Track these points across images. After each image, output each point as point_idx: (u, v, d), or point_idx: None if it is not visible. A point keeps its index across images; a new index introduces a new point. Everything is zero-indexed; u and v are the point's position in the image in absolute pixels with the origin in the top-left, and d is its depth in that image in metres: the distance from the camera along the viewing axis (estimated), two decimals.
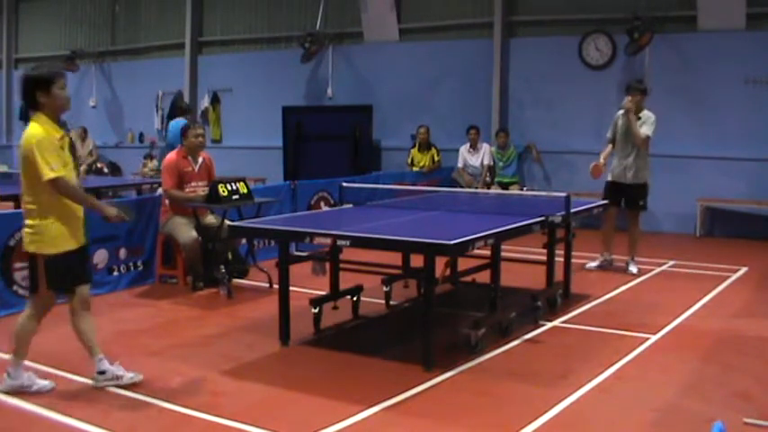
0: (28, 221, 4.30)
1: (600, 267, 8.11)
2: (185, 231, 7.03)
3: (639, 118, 7.82)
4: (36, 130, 4.21)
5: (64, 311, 6.33)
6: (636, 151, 7.81)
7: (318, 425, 3.93)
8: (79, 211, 4.38)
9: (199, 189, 7.20)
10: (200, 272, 7.10)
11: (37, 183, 4.19)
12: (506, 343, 5.42)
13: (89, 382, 4.56)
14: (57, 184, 4.16)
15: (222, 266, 7.01)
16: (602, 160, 7.89)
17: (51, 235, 4.25)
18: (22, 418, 4.10)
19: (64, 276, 4.35)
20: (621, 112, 7.93)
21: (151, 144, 15.32)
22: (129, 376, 4.52)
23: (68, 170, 4.28)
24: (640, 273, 7.79)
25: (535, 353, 5.32)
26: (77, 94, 16.67)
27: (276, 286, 5.67)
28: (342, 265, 6.00)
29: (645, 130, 7.75)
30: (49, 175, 4.13)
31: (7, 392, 4.34)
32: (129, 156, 15.31)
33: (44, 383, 4.42)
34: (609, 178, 8.04)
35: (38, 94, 4.23)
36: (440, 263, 5.24)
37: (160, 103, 15.18)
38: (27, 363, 4.92)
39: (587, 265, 8.11)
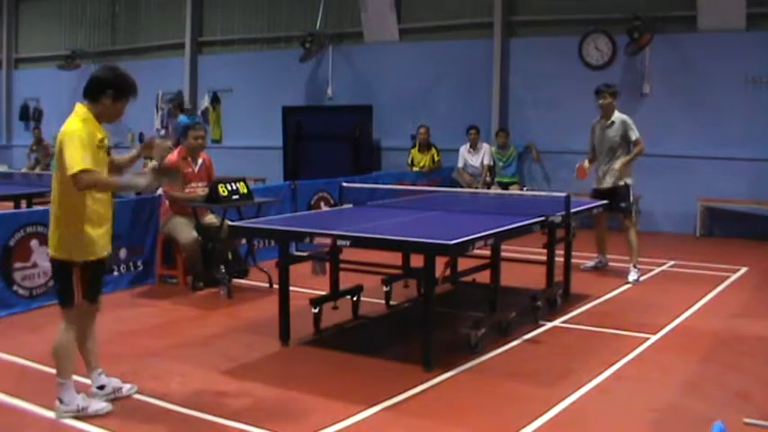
0: (58, 227, 4.03)
1: (595, 268, 8.10)
2: (185, 231, 7.03)
3: (612, 122, 7.67)
4: (76, 124, 4.00)
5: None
6: (613, 156, 7.66)
7: (318, 425, 3.93)
8: (109, 217, 4.17)
9: (199, 189, 7.20)
10: (200, 272, 7.10)
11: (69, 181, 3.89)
12: (506, 343, 5.42)
13: (89, 382, 4.56)
14: (83, 177, 3.83)
15: (222, 266, 7.01)
16: (586, 164, 7.84)
17: (86, 241, 4.01)
18: (22, 418, 4.10)
19: (96, 285, 4.17)
20: (595, 120, 7.86)
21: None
22: (127, 387, 4.39)
23: (103, 174, 4.06)
24: (638, 282, 7.48)
25: (535, 353, 5.32)
26: (77, 94, 16.62)
27: (276, 286, 5.67)
28: (342, 265, 5.99)
29: (634, 135, 7.60)
30: (79, 165, 3.82)
31: (67, 418, 4.01)
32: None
33: (102, 405, 4.10)
34: (594, 186, 7.95)
35: (108, 92, 4.03)
36: (440, 263, 5.24)
37: (160, 104, 15.18)
38: (27, 363, 4.93)
39: (583, 266, 8.10)
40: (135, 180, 4.19)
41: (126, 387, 4.40)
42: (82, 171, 3.84)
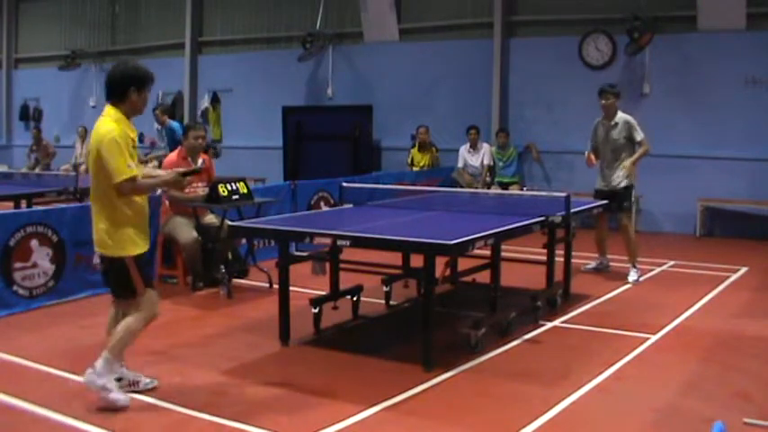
0: (104, 225, 4.15)
1: (596, 270, 8.09)
2: (185, 231, 7.03)
3: (616, 124, 7.61)
4: (111, 126, 4.08)
5: (63, 312, 6.35)
6: (618, 157, 7.60)
7: (318, 425, 3.93)
8: (146, 209, 4.32)
9: (199, 190, 7.20)
10: (200, 272, 7.10)
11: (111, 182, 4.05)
12: (506, 343, 5.42)
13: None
14: (129, 184, 4.03)
15: (222, 266, 7.01)
16: (593, 155, 7.75)
17: (132, 235, 4.16)
18: (22, 418, 4.10)
19: (149, 274, 4.33)
20: (598, 119, 7.82)
21: (151, 144, 15.30)
22: (146, 381, 4.47)
23: (139, 170, 4.23)
24: (639, 283, 7.46)
25: (535, 353, 5.32)
26: (77, 94, 16.73)
27: (276, 286, 5.67)
28: (342, 265, 5.99)
29: (639, 136, 7.55)
30: (127, 174, 4.01)
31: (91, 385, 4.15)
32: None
33: (121, 397, 4.17)
34: (596, 186, 7.91)
35: (131, 89, 4.15)
36: (440, 263, 5.24)
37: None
38: (27, 363, 4.93)
39: (584, 267, 8.08)
40: (164, 178, 4.42)
41: (144, 381, 4.45)
42: (127, 180, 4.02)
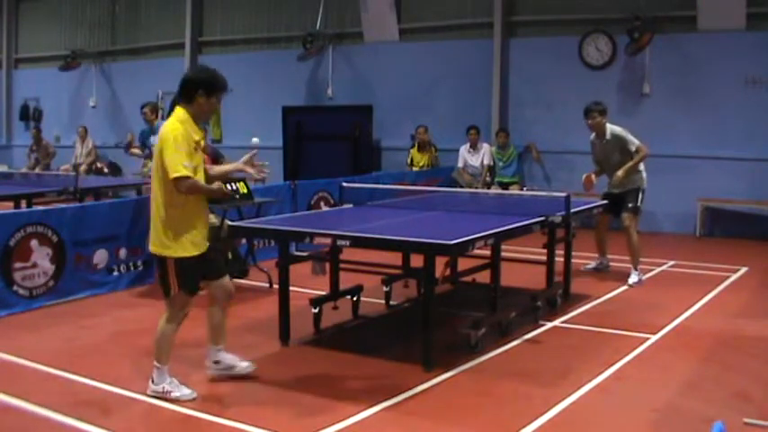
0: (156, 223, 4.28)
1: (596, 269, 8.08)
2: None
3: (608, 140, 7.54)
4: (175, 125, 4.22)
5: (63, 312, 6.36)
6: (622, 164, 7.49)
7: (318, 425, 3.93)
8: (205, 214, 4.43)
9: None
10: None
11: (176, 197, 4.21)
12: (506, 343, 5.42)
13: (90, 382, 4.57)
14: (183, 183, 4.13)
15: None
16: (594, 176, 7.65)
17: (179, 237, 4.26)
18: (22, 418, 4.10)
19: (194, 278, 4.37)
20: (592, 138, 7.74)
21: (151, 144, 15.31)
22: (243, 365, 4.67)
23: (199, 173, 4.30)
24: (638, 284, 7.38)
25: (535, 353, 5.32)
26: (77, 94, 16.73)
27: (276, 286, 5.67)
28: (342, 265, 5.99)
29: (632, 146, 7.47)
30: (180, 172, 4.11)
31: (153, 396, 4.30)
32: (129, 156, 15.32)
33: (186, 392, 4.31)
34: (606, 189, 7.83)
35: (200, 92, 4.27)
36: (440, 263, 5.24)
37: (160, 104, 15.16)
38: (27, 363, 4.93)
39: (585, 267, 8.08)
40: (212, 188, 4.46)
41: (242, 365, 4.65)
42: (181, 178, 4.12)
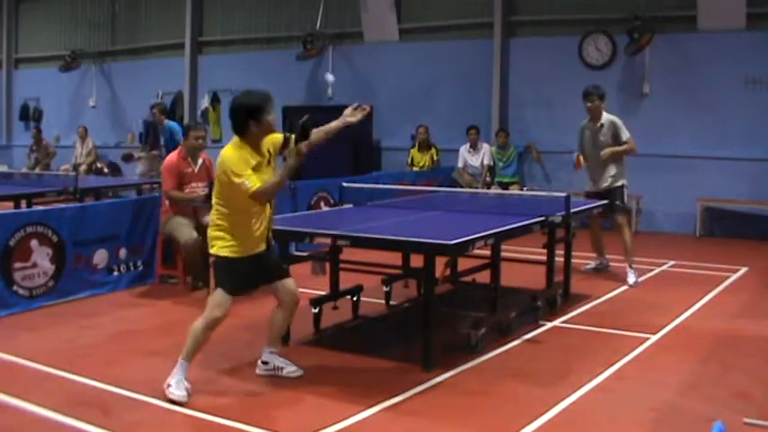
0: (214, 226, 4.46)
1: (596, 270, 8.07)
2: (185, 231, 7.02)
3: (602, 125, 7.55)
4: (229, 152, 4.32)
5: (63, 312, 6.35)
6: (607, 159, 7.51)
7: (318, 425, 3.93)
8: (262, 224, 4.46)
9: (198, 189, 7.20)
10: (200, 272, 7.09)
11: (230, 199, 4.35)
12: (506, 343, 5.42)
13: (90, 382, 4.57)
14: (259, 194, 4.26)
15: None
16: (581, 158, 7.70)
17: (229, 241, 4.39)
18: (22, 418, 4.10)
19: (231, 280, 4.43)
20: (584, 122, 7.76)
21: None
22: (291, 369, 4.71)
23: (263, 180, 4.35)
24: (637, 284, 7.38)
25: (535, 353, 5.32)
26: (77, 94, 16.73)
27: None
28: (342, 265, 5.99)
29: (625, 135, 7.49)
30: (251, 189, 4.23)
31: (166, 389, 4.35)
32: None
33: (180, 394, 4.28)
34: (585, 188, 7.87)
35: (249, 123, 4.30)
36: (440, 263, 5.23)
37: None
38: (27, 363, 4.93)
39: (584, 267, 8.07)
40: (289, 166, 4.34)
41: (289, 368, 4.72)
42: (255, 193, 4.24)
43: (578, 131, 7.88)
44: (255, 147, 4.38)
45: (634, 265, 7.55)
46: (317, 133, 4.60)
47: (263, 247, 4.49)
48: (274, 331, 4.74)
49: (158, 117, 10.69)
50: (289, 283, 4.65)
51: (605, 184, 7.63)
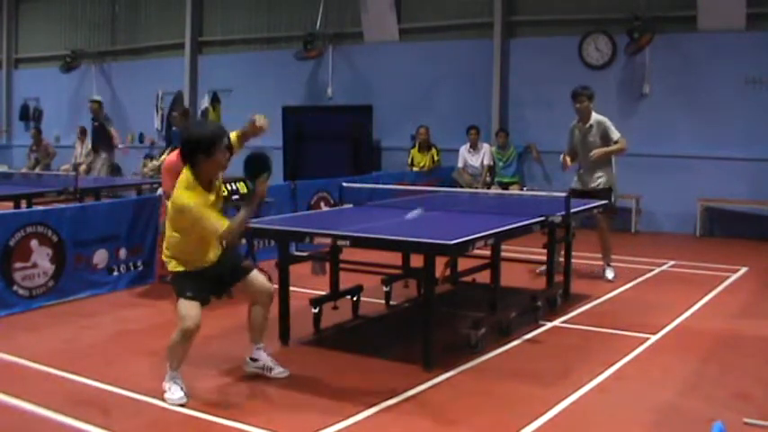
0: (167, 250, 4.47)
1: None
2: None
3: (591, 126, 7.55)
4: (185, 195, 4.21)
5: (63, 312, 6.36)
6: (596, 160, 7.51)
7: (318, 425, 3.93)
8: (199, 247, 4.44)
9: None
10: None
11: (186, 230, 4.30)
12: (506, 343, 5.42)
13: (90, 382, 4.57)
14: (226, 236, 4.25)
15: None
16: (569, 159, 7.74)
17: (182, 261, 4.45)
18: (22, 418, 4.10)
19: (190, 287, 4.49)
20: (574, 123, 7.76)
21: (151, 144, 15.33)
22: (279, 370, 4.70)
23: (217, 213, 4.31)
24: (616, 279, 7.47)
25: (535, 353, 5.32)
26: (77, 94, 16.72)
27: (276, 286, 5.65)
28: (342, 265, 5.99)
29: (615, 135, 7.47)
30: (219, 231, 4.19)
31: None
32: (129, 156, 15.32)
33: (177, 396, 4.29)
34: (572, 185, 7.85)
35: (199, 157, 4.21)
36: (440, 263, 5.23)
37: (160, 104, 15.18)
38: (27, 363, 4.93)
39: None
40: (244, 215, 4.28)
41: (276, 370, 4.70)
42: (223, 234, 4.21)
43: (568, 132, 7.92)
44: (205, 183, 4.28)
45: (612, 264, 7.67)
46: (237, 142, 4.53)
47: (217, 256, 4.47)
48: (256, 328, 4.71)
49: (179, 121, 10.62)
50: (256, 277, 4.62)
51: (593, 184, 7.66)
